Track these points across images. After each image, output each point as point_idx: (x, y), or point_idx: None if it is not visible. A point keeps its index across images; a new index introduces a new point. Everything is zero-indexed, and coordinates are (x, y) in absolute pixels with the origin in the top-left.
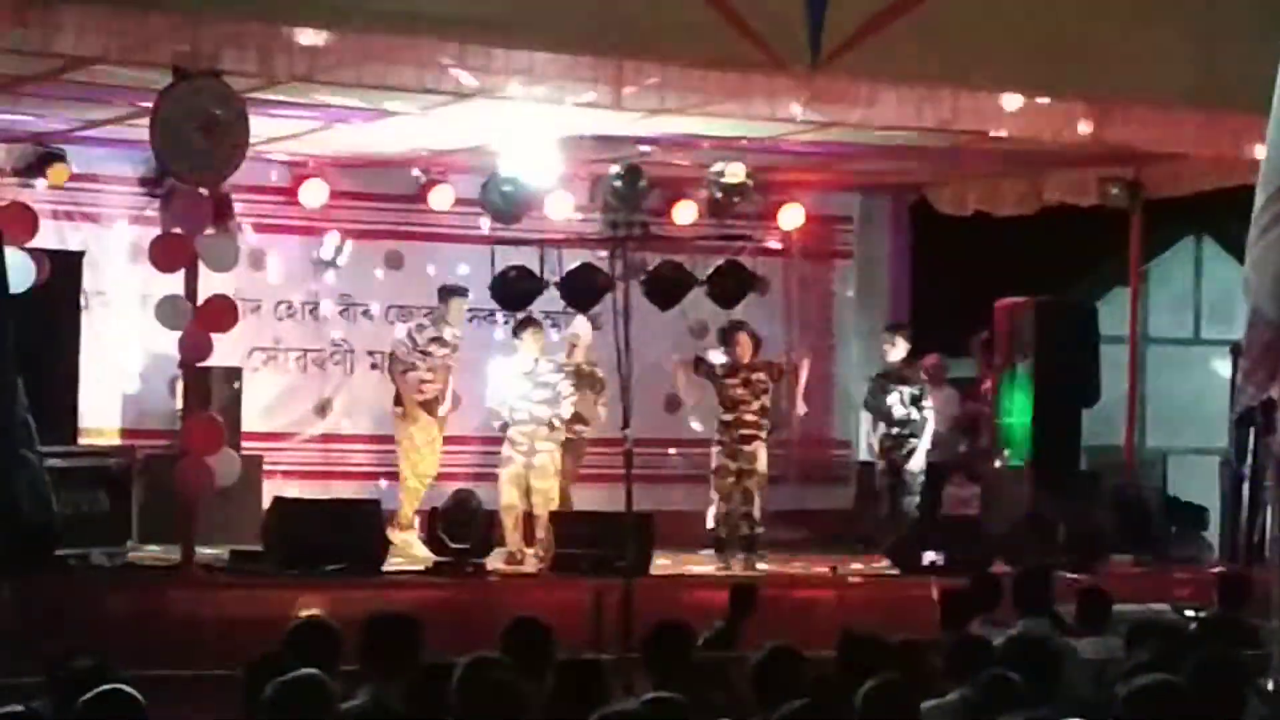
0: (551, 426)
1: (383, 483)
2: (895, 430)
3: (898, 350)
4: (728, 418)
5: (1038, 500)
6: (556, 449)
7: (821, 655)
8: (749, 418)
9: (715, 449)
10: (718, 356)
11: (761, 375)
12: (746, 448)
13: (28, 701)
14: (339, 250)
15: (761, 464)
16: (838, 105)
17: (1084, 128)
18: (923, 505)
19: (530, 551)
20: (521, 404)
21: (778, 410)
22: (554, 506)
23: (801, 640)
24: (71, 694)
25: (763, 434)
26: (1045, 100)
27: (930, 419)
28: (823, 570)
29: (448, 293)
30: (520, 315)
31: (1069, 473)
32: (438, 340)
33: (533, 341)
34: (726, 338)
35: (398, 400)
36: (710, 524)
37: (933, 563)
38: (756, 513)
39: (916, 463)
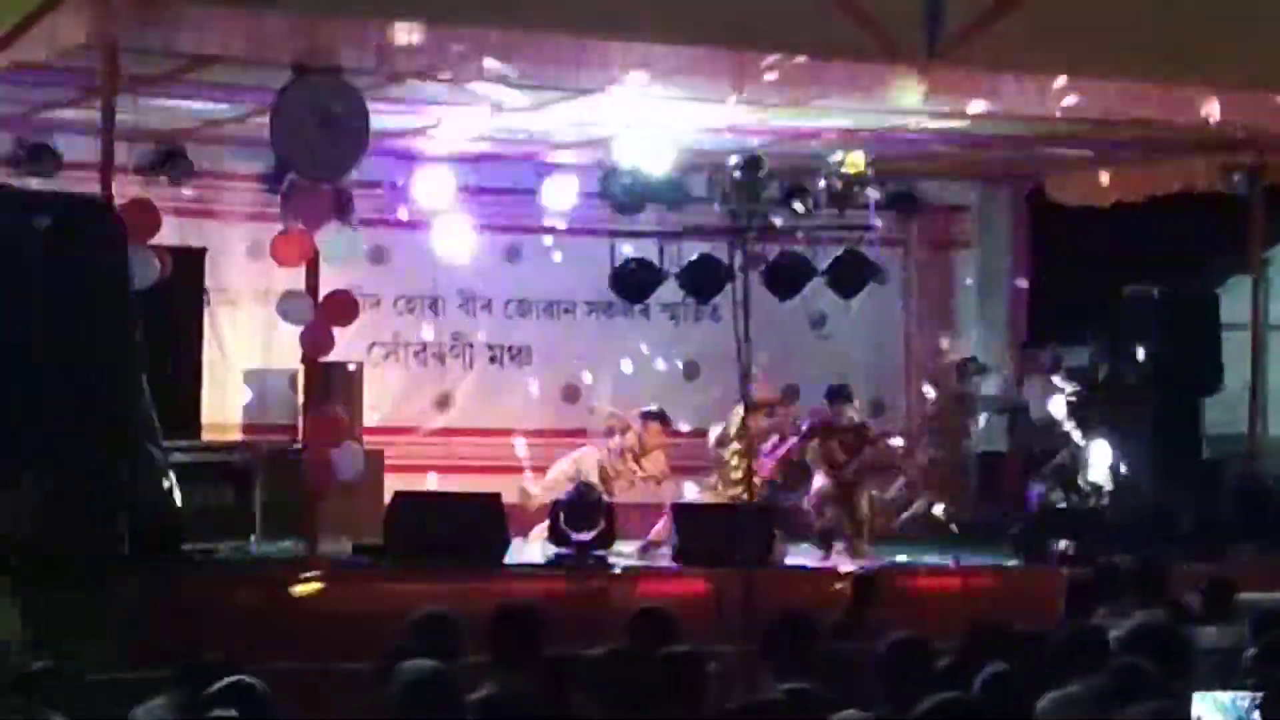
0: None
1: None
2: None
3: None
4: (830, 476)
5: (1161, 490)
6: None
7: (944, 646)
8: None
9: (821, 478)
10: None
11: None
12: (848, 489)
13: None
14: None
15: (863, 510)
16: (956, 95)
17: (1205, 114)
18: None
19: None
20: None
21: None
22: None
23: (924, 630)
24: (198, 687)
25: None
26: (1165, 87)
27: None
28: (945, 561)
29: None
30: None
31: (1191, 462)
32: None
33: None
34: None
35: None
36: (814, 516)
37: (1063, 553)
38: (865, 505)
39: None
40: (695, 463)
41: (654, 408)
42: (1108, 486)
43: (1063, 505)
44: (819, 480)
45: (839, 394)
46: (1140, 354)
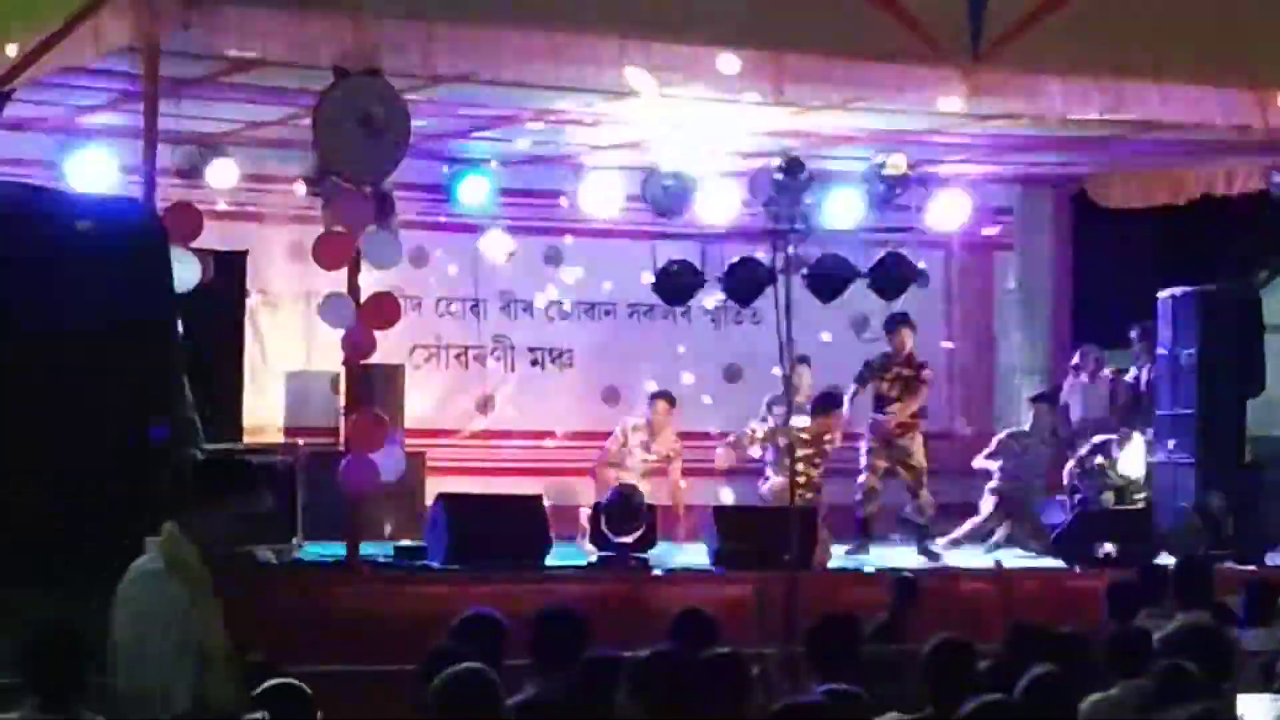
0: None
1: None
2: None
3: None
4: (878, 415)
5: (1203, 492)
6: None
7: (987, 648)
8: (898, 416)
9: (869, 437)
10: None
11: (911, 372)
12: (899, 440)
13: None
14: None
15: (918, 457)
16: (999, 97)
17: (1249, 116)
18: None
19: None
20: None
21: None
22: None
23: (967, 632)
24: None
25: (917, 427)
26: (1209, 89)
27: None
28: (986, 563)
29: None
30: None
31: (1234, 464)
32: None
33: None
34: (890, 326)
35: None
36: (858, 499)
37: (1106, 555)
38: (926, 506)
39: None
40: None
41: (658, 388)
42: (1140, 478)
43: (1103, 506)
44: (862, 477)
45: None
46: (1183, 357)
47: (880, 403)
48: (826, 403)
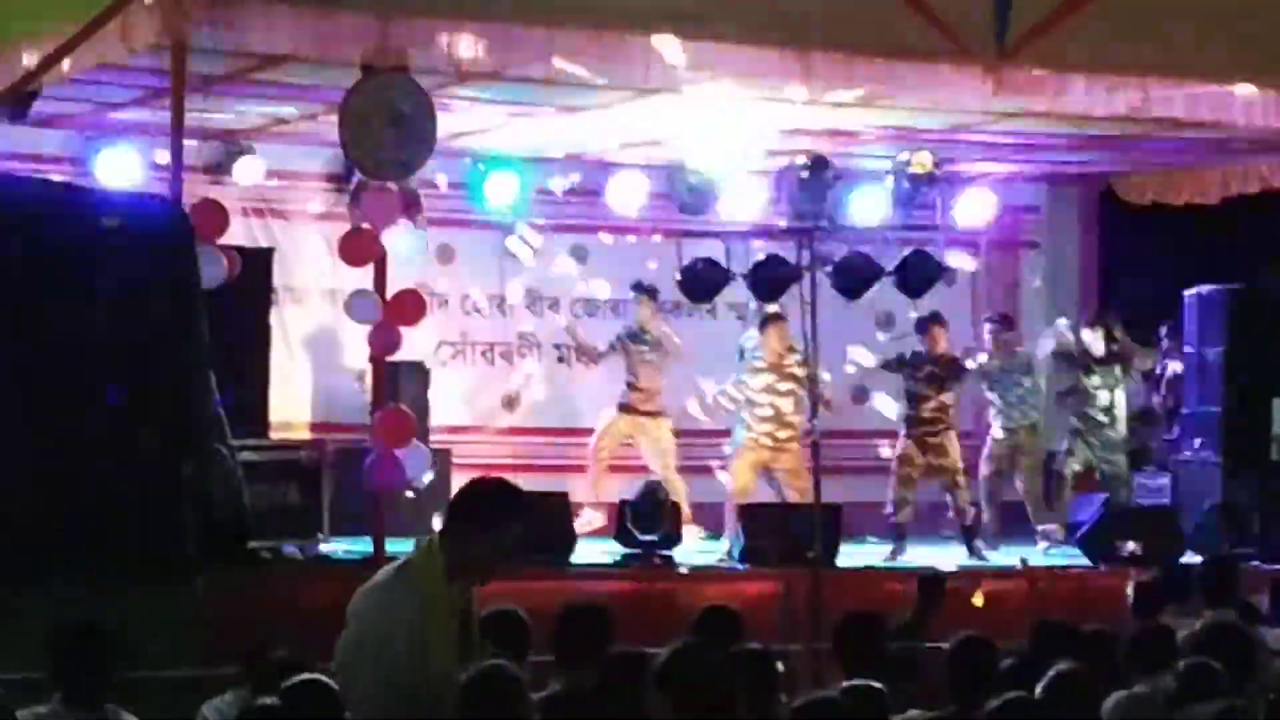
0: (794, 426)
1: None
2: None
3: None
4: (910, 412)
5: (1229, 491)
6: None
7: (1012, 646)
8: (930, 413)
9: (902, 439)
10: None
11: (944, 371)
12: (933, 439)
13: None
14: (526, 244)
15: (953, 456)
16: (1025, 94)
17: (1276, 117)
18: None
19: None
20: (764, 397)
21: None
22: None
23: (991, 632)
24: (267, 685)
25: (950, 424)
26: (1236, 88)
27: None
28: (1011, 561)
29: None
30: (767, 309)
31: (1260, 462)
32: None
33: (776, 335)
34: (922, 327)
35: None
36: (889, 511)
37: (1131, 553)
38: (967, 505)
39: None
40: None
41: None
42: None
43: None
44: (891, 491)
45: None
46: (1209, 355)
47: (911, 400)
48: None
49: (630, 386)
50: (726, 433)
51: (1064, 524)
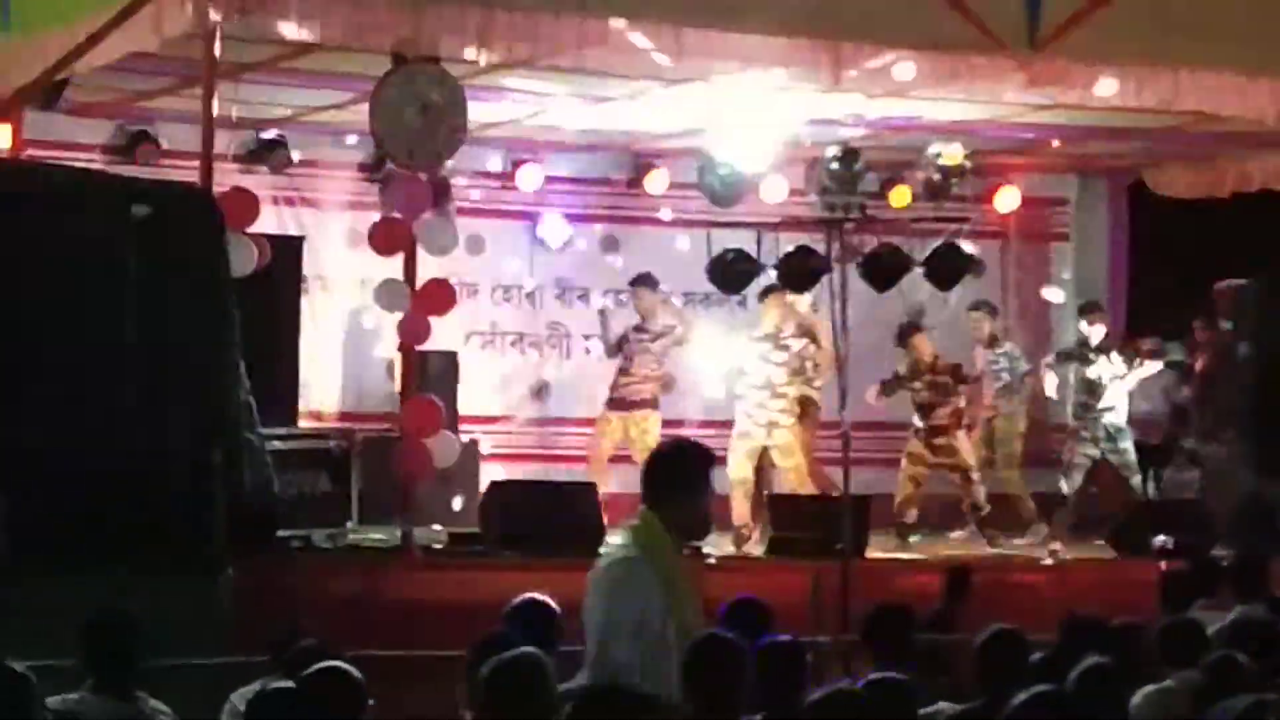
0: (786, 397)
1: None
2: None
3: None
4: (922, 424)
5: (1260, 484)
6: (796, 424)
7: (1040, 639)
8: (944, 419)
9: (911, 438)
10: None
11: (946, 379)
12: (939, 440)
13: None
14: (556, 234)
15: (964, 455)
16: (1056, 86)
17: None
18: (1143, 489)
19: (756, 529)
20: (760, 367)
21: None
22: (806, 485)
23: (1020, 624)
24: (294, 672)
25: (960, 429)
26: (1267, 78)
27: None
28: (1040, 554)
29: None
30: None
31: None
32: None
33: (774, 307)
34: (901, 340)
35: None
36: (896, 508)
37: (1161, 547)
38: (981, 500)
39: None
40: None
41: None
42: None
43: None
44: (898, 494)
45: None
46: (1240, 347)
47: (923, 411)
48: None
49: (622, 372)
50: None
51: (1065, 528)
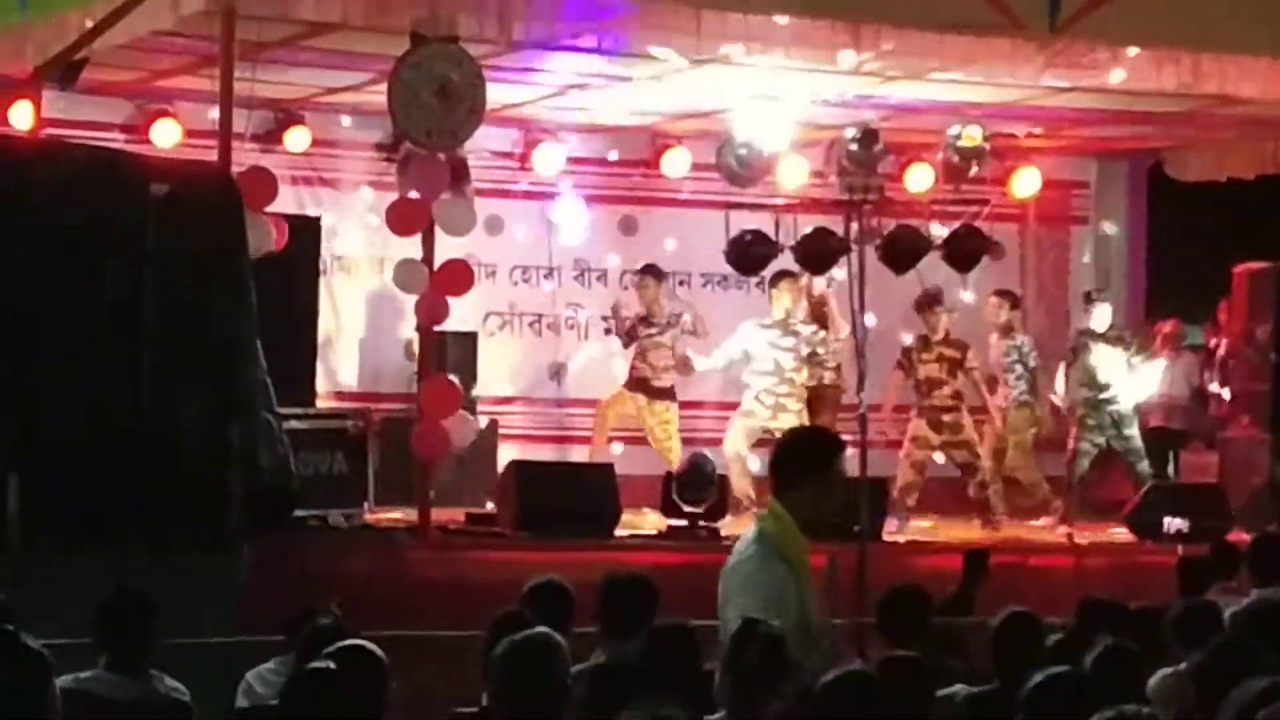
0: (794, 383)
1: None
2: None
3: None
4: (924, 402)
5: (1278, 468)
6: (803, 409)
7: (1057, 621)
8: (946, 400)
9: (914, 419)
10: None
11: (956, 353)
12: (946, 418)
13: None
14: (575, 215)
15: (967, 431)
16: (1076, 69)
17: None
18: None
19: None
20: (767, 353)
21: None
22: None
23: (1037, 607)
24: (312, 653)
25: (963, 407)
26: None
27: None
28: (1058, 537)
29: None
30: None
31: None
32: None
33: (787, 293)
34: (920, 308)
35: None
36: (896, 493)
37: (1179, 530)
38: (986, 477)
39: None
40: None
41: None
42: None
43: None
44: (900, 478)
45: None
46: (1258, 331)
47: (930, 386)
48: None
49: (641, 359)
50: None
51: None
